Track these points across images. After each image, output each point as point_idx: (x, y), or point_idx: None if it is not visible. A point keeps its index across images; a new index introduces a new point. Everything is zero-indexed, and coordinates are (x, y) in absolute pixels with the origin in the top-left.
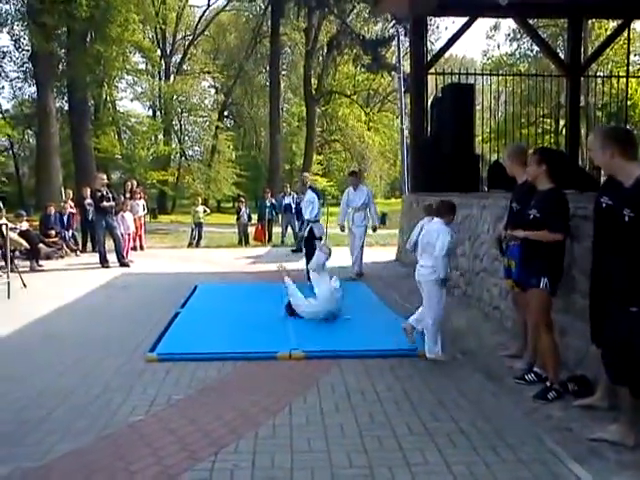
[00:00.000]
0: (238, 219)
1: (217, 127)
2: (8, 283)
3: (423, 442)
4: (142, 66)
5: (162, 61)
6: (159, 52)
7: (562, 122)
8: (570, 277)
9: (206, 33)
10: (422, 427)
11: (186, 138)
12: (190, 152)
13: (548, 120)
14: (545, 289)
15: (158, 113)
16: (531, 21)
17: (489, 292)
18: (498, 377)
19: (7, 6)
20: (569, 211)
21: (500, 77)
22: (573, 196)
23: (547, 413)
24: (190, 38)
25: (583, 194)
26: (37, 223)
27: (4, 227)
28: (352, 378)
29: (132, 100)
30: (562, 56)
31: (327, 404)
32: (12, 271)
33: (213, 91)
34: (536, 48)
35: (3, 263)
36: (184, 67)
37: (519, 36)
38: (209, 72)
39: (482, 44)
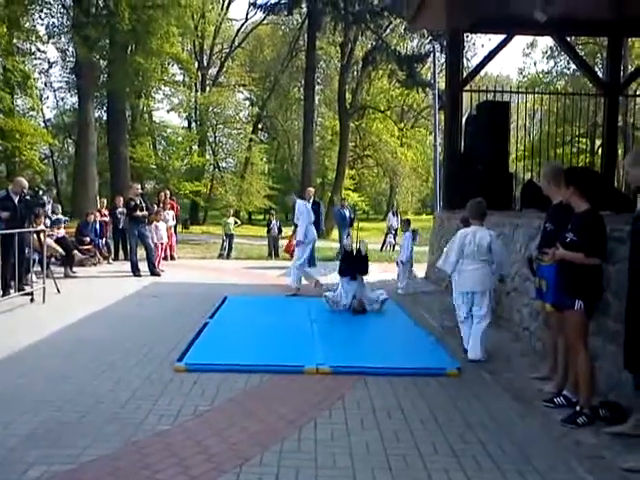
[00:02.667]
0: (269, 231)
1: (251, 139)
2: (44, 288)
3: (449, 463)
4: (179, 78)
5: (199, 73)
6: (196, 64)
7: (598, 142)
8: (602, 300)
9: (243, 46)
10: (448, 447)
11: (220, 150)
12: (223, 164)
13: (584, 139)
14: (580, 310)
15: (193, 124)
16: (569, 38)
17: (519, 312)
18: (527, 399)
19: (54, 19)
20: (606, 235)
21: (536, 95)
22: (609, 218)
23: (577, 439)
24: (227, 51)
25: (618, 215)
26: (73, 230)
27: (42, 233)
28: (378, 395)
29: (168, 111)
30: (600, 74)
31: (352, 420)
32: (47, 277)
33: (248, 104)
34: (573, 66)
35: (39, 268)
36: (220, 79)
37: (556, 54)
38: (245, 85)
39: (518, 61)
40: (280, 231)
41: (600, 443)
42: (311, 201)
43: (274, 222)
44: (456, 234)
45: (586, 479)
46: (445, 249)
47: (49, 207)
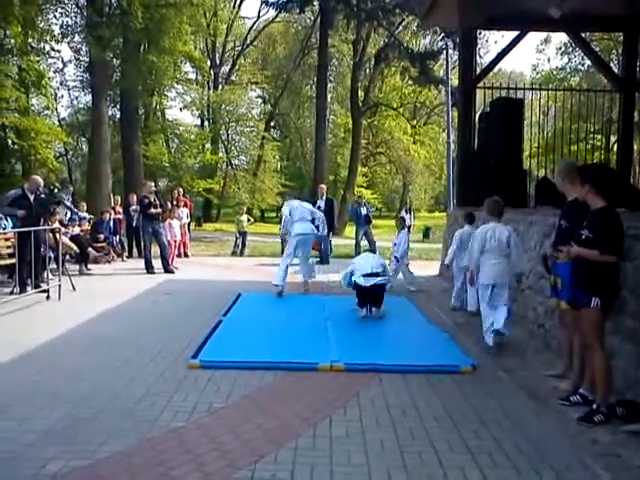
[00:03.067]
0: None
1: (263, 137)
2: (59, 286)
3: (464, 460)
4: (192, 76)
5: (211, 71)
6: (209, 62)
7: (613, 138)
8: (619, 298)
9: (255, 44)
10: (463, 445)
11: (233, 147)
12: (236, 161)
13: (599, 136)
14: (596, 308)
15: (206, 122)
16: (584, 34)
17: (534, 310)
18: (542, 397)
19: (68, 19)
20: (622, 232)
21: (550, 92)
22: (624, 215)
23: (593, 437)
24: (239, 49)
25: (634, 213)
26: (87, 228)
27: (57, 231)
28: (392, 392)
29: (181, 109)
30: (616, 70)
31: (367, 418)
32: (63, 274)
33: (260, 101)
34: (588, 62)
35: (55, 266)
36: (233, 77)
37: (570, 50)
38: (257, 82)
39: (532, 58)
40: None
41: (617, 441)
42: (324, 198)
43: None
44: (475, 231)
45: (602, 477)
46: (453, 246)
47: (69, 204)
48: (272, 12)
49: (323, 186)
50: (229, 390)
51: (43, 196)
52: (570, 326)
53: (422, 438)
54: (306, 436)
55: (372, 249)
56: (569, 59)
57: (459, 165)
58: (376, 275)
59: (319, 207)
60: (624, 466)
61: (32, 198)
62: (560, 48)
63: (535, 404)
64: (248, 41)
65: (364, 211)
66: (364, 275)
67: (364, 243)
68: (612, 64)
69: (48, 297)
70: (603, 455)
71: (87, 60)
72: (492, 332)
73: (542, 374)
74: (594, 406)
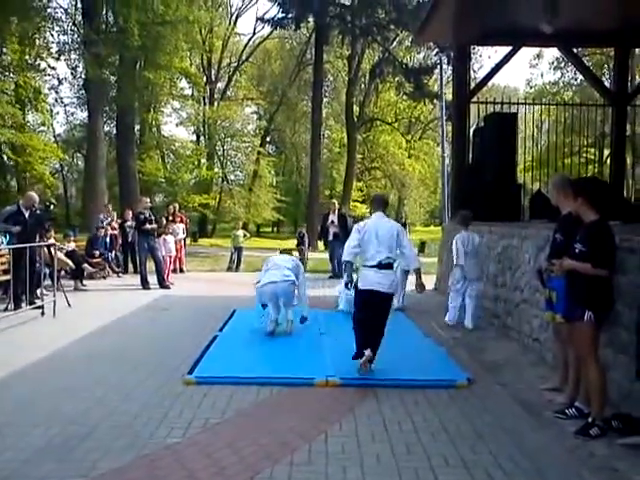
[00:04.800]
0: (300, 244)
1: (259, 152)
2: (54, 302)
3: (460, 475)
4: (188, 92)
5: (207, 87)
6: (204, 78)
7: (606, 152)
8: (614, 310)
9: (251, 60)
10: (459, 459)
11: (228, 163)
12: (232, 176)
13: (592, 150)
14: (590, 321)
15: (202, 138)
16: (576, 49)
17: (529, 324)
18: (537, 411)
19: (65, 37)
20: (615, 245)
21: (543, 106)
22: (618, 228)
23: (589, 450)
24: (235, 65)
25: (628, 225)
26: (83, 243)
27: (53, 247)
28: (388, 407)
29: (177, 125)
30: (608, 85)
31: (363, 433)
32: (58, 290)
33: (256, 117)
34: (580, 77)
35: (50, 282)
36: (228, 93)
37: (563, 64)
38: (252, 98)
39: (525, 72)
40: (310, 244)
41: (613, 455)
42: (336, 214)
43: (304, 233)
44: (456, 240)
45: None
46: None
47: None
48: (267, 29)
49: (335, 202)
50: (225, 406)
51: (39, 212)
52: (565, 339)
53: (418, 453)
54: (302, 451)
55: None
56: (562, 74)
57: (454, 179)
58: None
59: (332, 222)
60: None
61: (27, 214)
62: (553, 63)
63: (531, 418)
64: (244, 57)
65: None
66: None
67: None
68: (604, 78)
69: (43, 313)
70: (600, 469)
71: (83, 77)
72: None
73: (538, 387)
74: (590, 419)
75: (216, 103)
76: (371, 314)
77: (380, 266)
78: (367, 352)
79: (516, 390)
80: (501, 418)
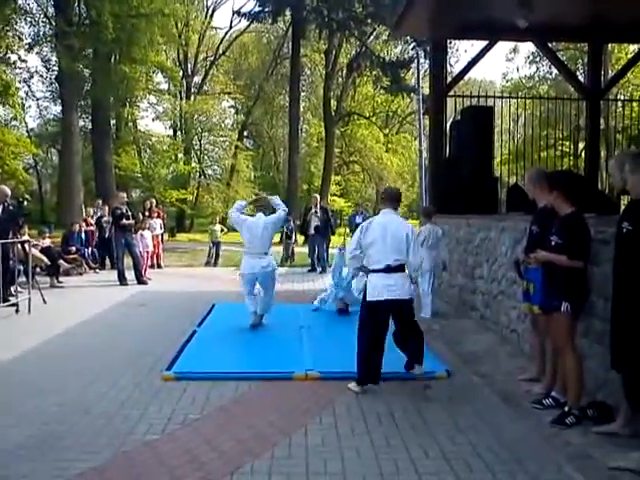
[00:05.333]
0: (288, 237)
1: (236, 147)
2: (29, 299)
3: (440, 466)
4: (164, 86)
5: (183, 81)
6: (181, 73)
7: (581, 145)
8: (589, 301)
9: (227, 54)
10: (439, 450)
11: (206, 157)
12: (209, 171)
13: (567, 143)
14: (567, 312)
15: (179, 132)
16: (551, 44)
17: (507, 315)
18: (515, 401)
19: (36, 28)
20: (590, 237)
21: (519, 100)
22: (592, 220)
23: (566, 439)
24: (211, 59)
25: (602, 217)
26: (59, 240)
27: (27, 244)
28: (368, 400)
29: (153, 120)
30: (582, 79)
31: (343, 426)
32: (33, 287)
33: (233, 111)
34: (555, 71)
35: (24, 279)
36: (205, 87)
37: (538, 59)
38: (229, 93)
39: (501, 66)
40: (296, 237)
41: (589, 443)
42: (319, 207)
43: (292, 227)
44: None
45: (576, 479)
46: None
47: None
48: (244, 22)
49: (317, 196)
50: (204, 401)
51: (11, 208)
52: (542, 330)
53: (398, 445)
54: (282, 445)
55: None
56: (537, 68)
57: (431, 173)
58: None
59: (315, 212)
60: (596, 467)
61: (0, 210)
62: (528, 57)
63: (509, 408)
64: (220, 51)
65: (359, 219)
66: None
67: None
68: (578, 73)
69: (17, 311)
70: (576, 457)
71: (56, 70)
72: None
73: (515, 378)
74: (566, 408)
75: (193, 97)
76: (383, 331)
77: (389, 270)
78: (417, 368)
79: (494, 381)
80: (480, 409)
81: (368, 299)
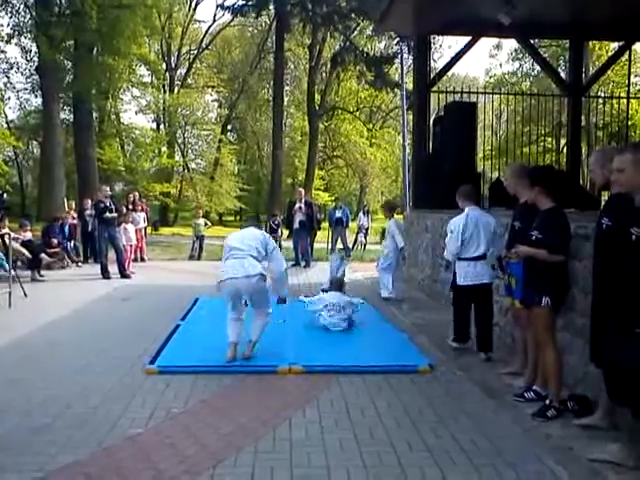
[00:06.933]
0: (274, 231)
1: (220, 140)
2: (9, 293)
3: (423, 459)
4: (147, 79)
5: (167, 74)
6: (164, 65)
7: (563, 141)
8: (569, 296)
9: (211, 48)
10: (422, 444)
11: (189, 151)
12: (193, 165)
13: (549, 139)
14: (547, 307)
15: (162, 126)
16: (533, 41)
17: None
18: (497, 394)
19: (16, 18)
20: (570, 232)
21: (502, 96)
22: (573, 215)
23: (547, 432)
24: (195, 52)
25: (583, 213)
26: (39, 233)
27: (7, 237)
28: (351, 393)
29: (137, 113)
30: (563, 76)
31: (327, 419)
32: (13, 281)
33: (217, 105)
34: (538, 67)
35: (4, 272)
36: (188, 81)
37: (521, 55)
38: (213, 86)
39: (485, 63)
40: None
41: (569, 435)
42: (303, 201)
43: (279, 221)
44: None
45: (556, 471)
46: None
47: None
48: (228, 16)
49: (301, 190)
50: (187, 395)
51: None
52: (524, 324)
53: (381, 438)
54: (265, 439)
55: (347, 254)
56: (520, 64)
57: (414, 168)
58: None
59: (300, 208)
60: (576, 459)
61: None
62: (511, 54)
63: (491, 401)
64: (204, 44)
65: (338, 214)
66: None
67: (339, 246)
68: (560, 70)
69: None
70: (556, 449)
71: (37, 61)
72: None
73: (497, 372)
74: (547, 402)
75: (176, 90)
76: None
77: (482, 257)
78: (484, 355)
79: (477, 375)
80: (462, 402)
81: (464, 284)
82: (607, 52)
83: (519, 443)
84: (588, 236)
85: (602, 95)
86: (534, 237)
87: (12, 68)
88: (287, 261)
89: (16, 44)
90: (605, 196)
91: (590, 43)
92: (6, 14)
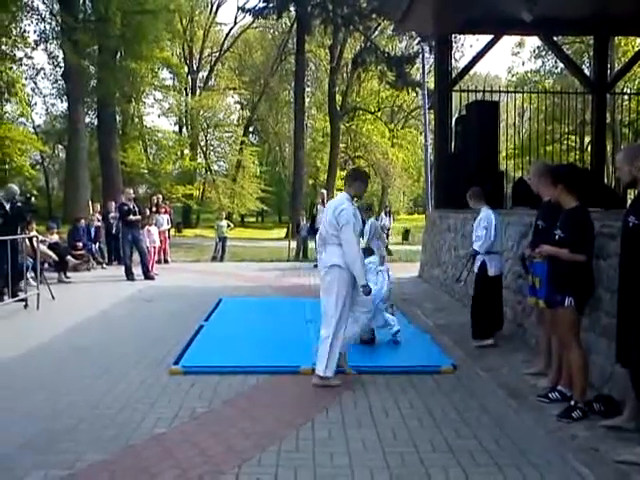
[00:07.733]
0: (298, 232)
1: (242, 142)
2: (38, 295)
3: (446, 459)
4: (169, 82)
5: (189, 77)
6: (186, 68)
7: (587, 139)
8: (595, 295)
9: (232, 50)
10: (445, 444)
11: (211, 153)
12: (215, 167)
13: (573, 137)
14: (570, 307)
15: (184, 128)
16: (556, 38)
17: (513, 309)
18: (521, 395)
19: (42, 25)
20: (593, 232)
21: (524, 94)
22: (598, 214)
23: (572, 433)
24: (217, 55)
25: (608, 212)
26: (65, 236)
27: (35, 239)
28: (374, 393)
29: (159, 116)
30: (588, 73)
31: (349, 419)
32: (41, 283)
33: (238, 107)
34: (561, 65)
35: (33, 274)
36: (210, 83)
37: (544, 53)
38: (235, 88)
39: (507, 61)
40: (310, 232)
41: (595, 437)
42: (325, 203)
43: (303, 223)
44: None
45: (582, 472)
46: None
47: None
48: (249, 18)
49: (324, 191)
50: (211, 395)
51: (19, 204)
52: (548, 324)
53: (404, 438)
54: (289, 439)
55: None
56: (543, 62)
57: (436, 168)
58: None
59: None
60: (602, 461)
61: (8, 207)
62: (534, 51)
63: (515, 402)
64: (225, 47)
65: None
66: None
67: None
68: (584, 67)
69: (26, 306)
70: (582, 450)
71: (63, 67)
72: None
73: (521, 372)
74: (572, 402)
75: (198, 93)
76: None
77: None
78: (488, 342)
79: (500, 375)
80: (486, 403)
81: (495, 274)
82: (633, 47)
83: (543, 444)
84: (613, 235)
85: (628, 92)
86: (557, 236)
87: (39, 74)
88: (310, 262)
89: (43, 50)
90: (631, 194)
91: (615, 39)
92: (32, 21)
